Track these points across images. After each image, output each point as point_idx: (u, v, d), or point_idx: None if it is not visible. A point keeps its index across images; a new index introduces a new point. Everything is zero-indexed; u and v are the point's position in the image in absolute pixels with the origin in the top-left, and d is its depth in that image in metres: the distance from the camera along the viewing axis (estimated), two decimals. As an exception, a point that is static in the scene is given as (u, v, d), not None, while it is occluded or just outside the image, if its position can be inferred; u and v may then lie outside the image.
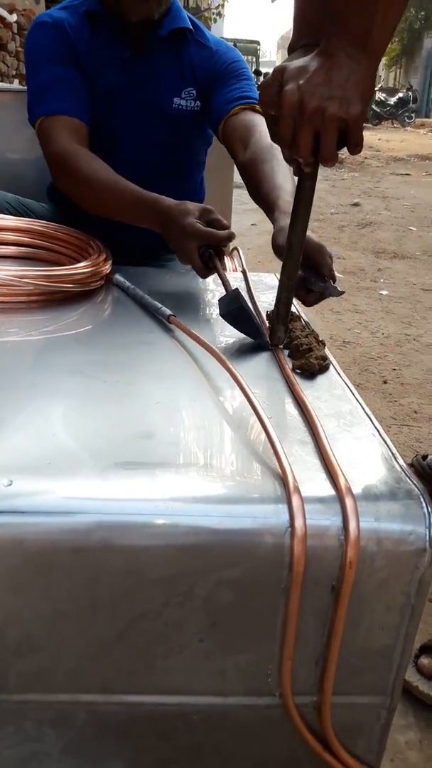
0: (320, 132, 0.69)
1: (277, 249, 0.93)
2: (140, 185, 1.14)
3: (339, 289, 0.89)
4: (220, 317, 0.92)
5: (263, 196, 1.11)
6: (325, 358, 0.82)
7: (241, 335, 0.90)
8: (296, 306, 0.97)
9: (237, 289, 0.94)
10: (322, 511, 0.54)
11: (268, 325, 0.90)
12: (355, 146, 0.72)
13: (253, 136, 1.23)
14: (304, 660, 0.56)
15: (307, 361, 0.80)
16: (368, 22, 0.66)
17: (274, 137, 0.75)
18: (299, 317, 0.95)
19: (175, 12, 1.32)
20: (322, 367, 0.81)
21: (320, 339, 0.88)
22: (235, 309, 0.90)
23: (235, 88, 1.30)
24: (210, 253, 1.01)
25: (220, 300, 0.93)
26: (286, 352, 0.86)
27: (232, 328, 0.91)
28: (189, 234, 1.00)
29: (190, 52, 1.34)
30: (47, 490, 0.54)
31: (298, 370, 0.80)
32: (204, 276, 1.05)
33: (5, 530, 0.51)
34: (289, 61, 0.72)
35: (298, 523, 0.53)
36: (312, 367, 0.80)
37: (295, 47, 0.77)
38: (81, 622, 0.54)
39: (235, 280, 1.09)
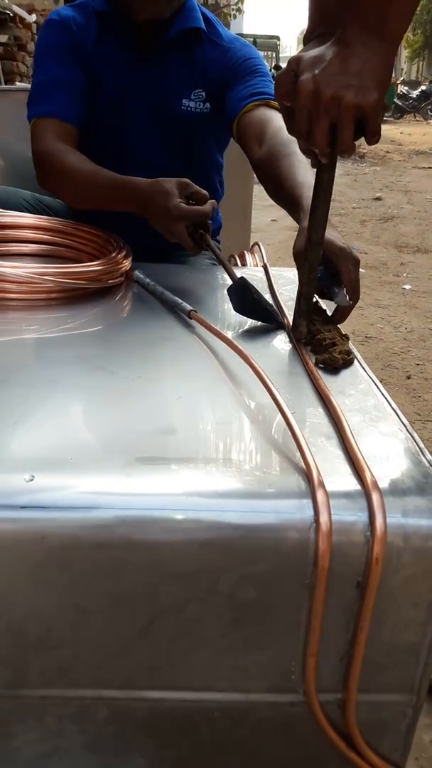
0: (337, 122, 0.69)
1: (296, 255, 0.89)
2: None
3: (347, 299, 0.85)
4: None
5: (285, 194, 1.06)
6: (349, 352, 0.81)
7: (262, 329, 0.89)
8: (321, 301, 0.96)
9: (242, 278, 0.94)
10: (348, 507, 0.53)
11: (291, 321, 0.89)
12: (373, 135, 0.71)
13: (269, 131, 1.18)
14: (329, 657, 0.55)
15: (330, 356, 0.79)
16: (384, 8, 0.65)
17: (290, 129, 0.74)
18: (323, 311, 0.93)
19: (188, 11, 1.29)
20: (346, 362, 0.79)
21: (344, 333, 0.86)
22: (249, 301, 0.91)
23: (250, 85, 1.27)
24: (201, 233, 1.03)
25: (229, 292, 0.94)
26: (309, 347, 0.85)
27: (252, 322, 0.91)
28: (175, 216, 1.01)
29: (202, 51, 1.31)
30: (69, 486, 0.53)
31: (321, 365, 0.79)
32: (196, 253, 1.06)
33: (27, 525, 0.51)
34: (304, 52, 0.72)
35: (323, 518, 0.52)
36: (336, 361, 0.78)
37: (310, 37, 0.75)
38: (103, 617, 0.54)
39: (256, 278, 1.08)
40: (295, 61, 0.71)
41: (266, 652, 0.55)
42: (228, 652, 0.55)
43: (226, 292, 0.95)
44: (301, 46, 0.77)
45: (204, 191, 1.05)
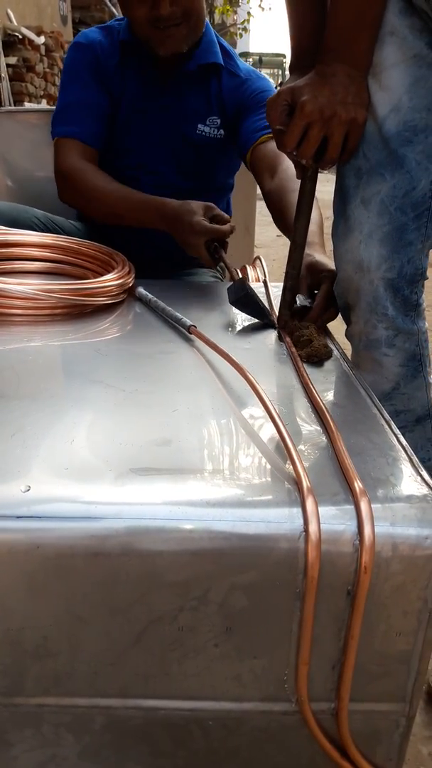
0: (329, 135, 0.83)
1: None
2: None
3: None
4: (239, 328, 0.94)
5: (288, 224, 1.13)
6: (326, 345, 0.88)
7: (259, 343, 0.91)
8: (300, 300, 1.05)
9: (243, 278, 1.04)
10: (337, 516, 0.54)
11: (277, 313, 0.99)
12: (351, 151, 0.87)
13: (280, 165, 1.26)
14: (321, 665, 0.56)
15: (310, 349, 0.86)
16: (358, 54, 0.83)
17: (281, 146, 0.87)
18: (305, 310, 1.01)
19: (207, 46, 1.34)
20: (326, 354, 0.87)
21: (321, 329, 0.94)
22: (242, 296, 0.99)
23: (263, 117, 1.31)
24: (215, 246, 1.14)
25: (228, 289, 1.02)
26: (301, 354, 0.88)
27: (251, 336, 0.93)
28: (197, 231, 1.12)
29: (219, 81, 1.37)
30: (64, 496, 0.55)
31: (305, 360, 0.85)
32: (212, 266, 1.17)
33: (23, 535, 0.52)
34: (292, 82, 0.85)
35: (313, 527, 0.53)
36: (316, 353, 0.85)
37: (294, 70, 0.93)
38: (98, 626, 0.55)
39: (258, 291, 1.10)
40: (288, 92, 0.84)
41: (259, 660, 0.56)
42: (221, 661, 0.56)
43: (226, 290, 1.03)
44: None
45: (226, 215, 1.15)
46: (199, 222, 1.12)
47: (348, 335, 0.96)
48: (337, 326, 0.98)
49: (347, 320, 0.95)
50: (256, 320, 1.01)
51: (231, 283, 1.04)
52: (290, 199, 1.16)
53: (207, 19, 1.34)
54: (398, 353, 0.90)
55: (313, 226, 1.06)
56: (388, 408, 0.90)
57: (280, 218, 1.22)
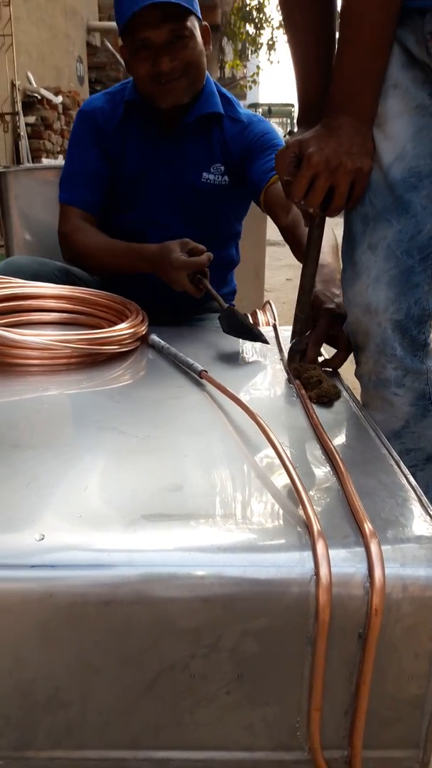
0: (335, 184, 0.87)
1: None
2: None
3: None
4: (250, 371, 0.96)
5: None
6: (335, 386, 0.90)
7: (269, 386, 0.94)
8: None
9: (230, 306, 1.12)
10: (348, 558, 0.54)
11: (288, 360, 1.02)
12: (357, 199, 0.89)
13: None
14: (333, 711, 0.55)
15: (319, 391, 0.88)
16: (362, 107, 0.86)
17: (289, 195, 0.91)
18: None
19: (206, 97, 1.40)
20: (335, 395, 0.89)
21: (329, 370, 0.97)
22: (234, 322, 1.10)
23: (271, 158, 1.37)
24: (198, 277, 1.21)
25: (220, 318, 1.13)
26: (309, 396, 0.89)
27: (261, 379, 0.95)
28: (176, 266, 1.20)
29: (221, 129, 1.42)
30: (77, 544, 0.55)
31: (315, 401, 0.87)
32: (197, 296, 1.22)
33: (37, 584, 0.53)
34: (299, 135, 0.90)
35: (323, 571, 0.53)
36: (327, 394, 0.88)
37: (301, 123, 0.98)
38: (110, 674, 0.55)
39: (267, 336, 1.12)
40: (295, 144, 0.88)
41: (271, 708, 0.55)
42: (233, 709, 0.55)
43: (218, 319, 1.13)
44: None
45: (201, 246, 1.21)
46: (178, 258, 1.20)
47: (357, 375, 0.97)
48: (346, 366, 1.00)
49: (357, 361, 0.97)
50: (265, 362, 1.04)
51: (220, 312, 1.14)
52: (304, 231, 1.20)
53: (217, 73, 1.41)
54: (408, 392, 0.91)
55: (325, 247, 1.09)
56: (398, 447, 0.90)
57: (297, 248, 1.27)
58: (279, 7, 0.99)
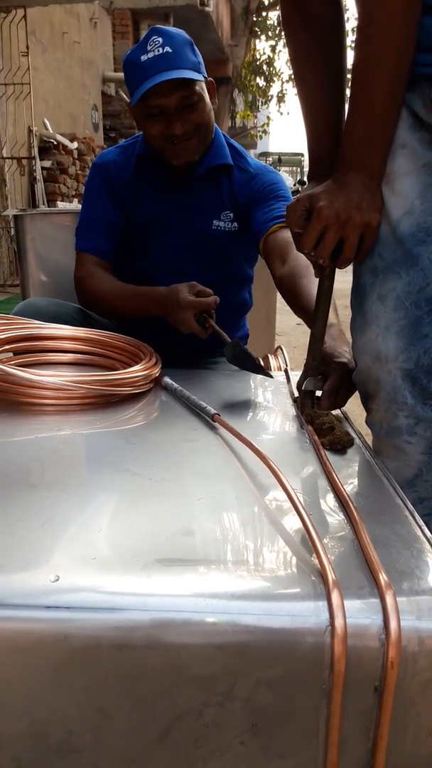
0: (344, 237, 0.90)
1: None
2: None
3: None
4: (262, 415, 0.97)
5: (303, 306, 1.23)
6: (348, 433, 0.91)
7: (282, 431, 0.94)
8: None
9: (235, 338, 1.15)
10: (363, 609, 0.54)
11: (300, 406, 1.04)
12: (366, 252, 0.93)
13: (291, 253, 1.33)
14: (350, 767, 0.54)
15: (333, 437, 0.89)
16: (372, 166, 0.90)
17: (299, 247, 0.95)
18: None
19: (216, 149, 1.46)
20: (348, 442, 0.90)
21: (340, 417, 0.98)
22: (239, 353, 1.13)
23: (274, 208, 1.43)
24: (204, 317, 1.25)
25: (225, 349, 1.16)
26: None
27: (273, 424, 0.96)
28: (183, 306, 1.24)
29: (230, 178, 1.48)
30: (91, 587, 0.56)
31: (328, 448, 0.88)
32: (203, 336, 1.26)
33: (51, 625, 0.53)
34: (310, 190, 0.94)
35: (338, 622, 0.53)
36: (339, 442, 0.88)
37: (311, 179, 1.03)
38: (123, 720, 0.54)
39: (278, 381, 1.14)
40: (306, 198, 0.92)
41: (286, 761, 0.55)
42: (247, 760, 0.55)
43: (223, 351, 1.16)
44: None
45: (208, 289, 1.26)
46: (185, 298, 1.25)
47: (369, 423, 0.98)
48: (360, 413, 1.00)
49: (367, 409, 0.98)
50: (277, 407, 1.05)
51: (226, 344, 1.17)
52: (303, 284, 1.24)
53: (227, 123, 1.48)
54: (420, 441, 0.91)
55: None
56: (411, 495, 0.90)
57: (293, 300, 1.29)
58: (290, 65, 1.04)
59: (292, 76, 1.06)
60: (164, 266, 1.48)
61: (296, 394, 1.09)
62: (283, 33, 1.05)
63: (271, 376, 1.13)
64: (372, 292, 0.92)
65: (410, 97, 0.87)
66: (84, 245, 1.49)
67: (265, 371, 1.12)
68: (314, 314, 1.00)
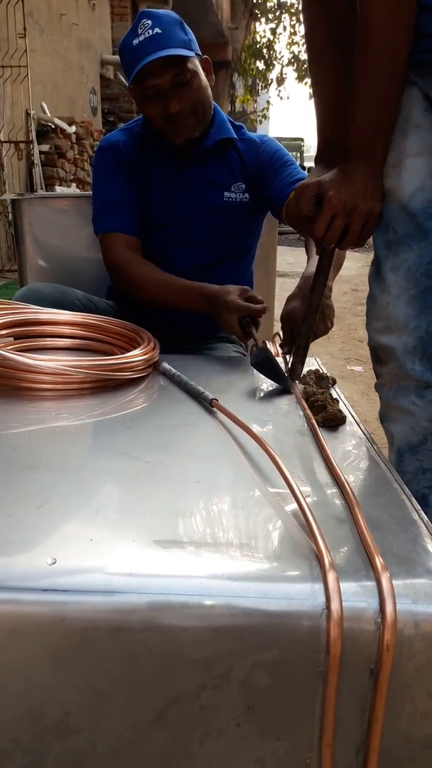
0: (350, 222, 0.97)
1: (284, 317, 1.27)
2: (195, 275, 1.37)
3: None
4: (260, 400, 0.97)
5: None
6: (340, 410, 0.94)
7: (279, 415, 0.94)
8: (322, 367, 1.21)
9: (264, 342, 1.14)
10: (359, 593, 0.54)
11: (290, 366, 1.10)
12: (366, 237, 1.00)
13: None
14: (345, 749, 0.54)
15: (326, 414, 0.92)
16: (374, 153, 0.96)
17: (311, 234, 1.00)
18: (326, 377, 1.11)
19: (219, 124, 1.49)
20: (341, 419, 0.92)
21: (334, 397, 1.00)
22: (263, 359, 1.09)
23: (288, 174, 1.46)
24: (247, 321, 1.26)
25: (252, 353, 1.13)
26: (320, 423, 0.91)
27: (270, 409, 0.96)
28: (231, 308, 1.26)
29: (237, 150, 1.50)
30: (88, 569, 0.56)
31: (321, 424, 0.90)
32: (243, 340, 1.29)
33: (48, 608, 0.53)
34: (316, 175, 1.02)
35: (335, 605, 0.53)
36: (333, 417, 0.92)
37: (318, 162, 1.10)
38: (120, 702, 0.54)
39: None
40: (315, 185, 0.98)
41: (282, 742, 0.55)
42: (243, 741, 0.55)
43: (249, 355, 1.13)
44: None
45: (260, 297, 1.28)
46: (234, 300, 1.26)
47: (378, 387, 1.03)
48: (369, 382, 1.02)
49: (377, 374, 1.03)
50: (274, 389, 1.07)
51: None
52: None
53: (228, 107, 1.48)
54: (427, 406, 0.94)
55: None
56: (413, 464, 0.92)
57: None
58: (306, 51, 1.06)
59: (306, 60, 1.10)
60: (173, 241, 1.49)
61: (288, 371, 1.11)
62: (286, 15, 1.07)
63: (288, 389, 1.07)
64: (386, 263, 0.97)
65: (425, 83, 0.90)
66: (108, 225, 1.46)
67: (285, 382, 1.08)
68: (312, 287, 1.07)
